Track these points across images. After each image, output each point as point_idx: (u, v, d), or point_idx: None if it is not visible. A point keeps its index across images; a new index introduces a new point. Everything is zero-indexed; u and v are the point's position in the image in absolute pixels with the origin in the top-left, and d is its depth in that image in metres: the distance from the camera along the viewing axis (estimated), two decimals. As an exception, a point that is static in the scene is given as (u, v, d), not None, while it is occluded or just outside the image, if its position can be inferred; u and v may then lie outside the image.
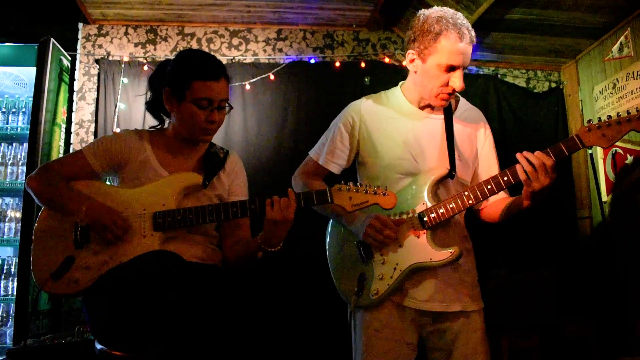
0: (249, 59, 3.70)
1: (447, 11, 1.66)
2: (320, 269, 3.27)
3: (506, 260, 3.25)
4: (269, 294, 3.12)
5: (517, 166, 1.55)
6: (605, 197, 3.41)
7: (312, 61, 3.70)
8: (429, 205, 1.65)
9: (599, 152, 3.43)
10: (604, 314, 3.19)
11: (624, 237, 3.18)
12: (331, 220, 1.88)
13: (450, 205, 1.63)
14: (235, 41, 3.75)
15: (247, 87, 3.55)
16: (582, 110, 3.70)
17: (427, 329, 1.68)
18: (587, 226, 3.62)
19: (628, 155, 3.18)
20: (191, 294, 1.47)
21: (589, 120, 1.55)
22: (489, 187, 1.61)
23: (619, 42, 3.27)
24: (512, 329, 2.83)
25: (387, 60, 3.71)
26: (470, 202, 1.62)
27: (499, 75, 3.86)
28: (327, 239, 1.87)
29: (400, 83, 1.87)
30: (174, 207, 1.62)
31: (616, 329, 3.12)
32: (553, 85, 3.90)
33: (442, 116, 1.77)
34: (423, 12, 1.69)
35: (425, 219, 1.64)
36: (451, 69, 1.64)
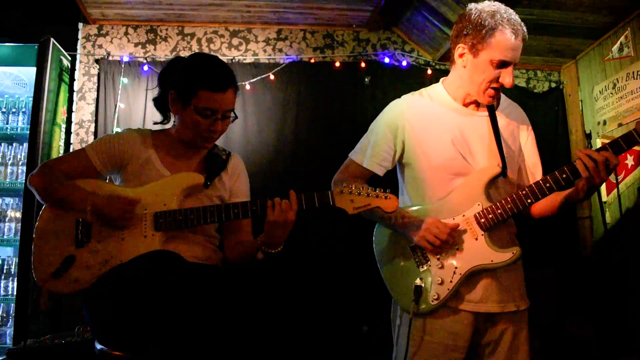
0: (249, 59, 3.70)
1: (500, 6, 1.63)
2: (321, 269, 3.28)
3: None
4: (269, 294, 3.12)
5: (578, 162, 1.52)
6: (605, 197, 3.41)
7: (312, 61, 3.70)
8: (485, 205, 1.62)
9: (599, 152, 3.43)
10: (604, 314, 3.19)
11: (624, 237, 3.18)
12: (377, 226, 1.82)
13: (508, 206, 1.60)
14: (235, 41, 3.75)
15: (247, 87, 3.55)
16: (582, 110, 3.70)
17: (479, 326, 1.66)
18: (587, 226, 3.62)
19: (628, 155, 3.18)
20: (191, 294, 1.46)
21: None
22: (547, 185, 1.57)
23: (619, 42, 3.27)
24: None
25: (387, 60, 3.71)
26: (529, 201, 1.59)
27: (499, 75, 3.86)
28: (376, 246, 1.81)
29: (441, 79, 1.82)
30: (175, 207, 1.61)
31: (616, 329, 3.12)
32: (553, 85, 3.91)
33: (487, 113, 1.73)
34: (475, 7, 1.66)
35: (482, 220, 1.61)
36: (503, 65, 1.61)
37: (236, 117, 1.74)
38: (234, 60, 3.63)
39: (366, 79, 3.66)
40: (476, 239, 1.61)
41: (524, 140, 1.80)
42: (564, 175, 1.56)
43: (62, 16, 3.58)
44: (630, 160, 3.17)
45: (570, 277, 3.37)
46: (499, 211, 1.60)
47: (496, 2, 1.67)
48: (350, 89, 3.64)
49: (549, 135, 3.73)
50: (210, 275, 1.64)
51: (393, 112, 1.80)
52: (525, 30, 1.63)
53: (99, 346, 1.51)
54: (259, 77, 3.57)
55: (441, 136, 1.69)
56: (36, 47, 3.19)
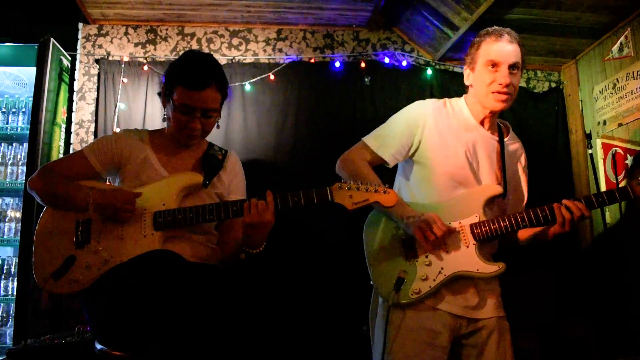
0: (249, 59, 3.70)
1: (488, 28, 1.83)
2: (321, 267, 3.28)
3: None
4: (269, 294, 3.12)
5: (557, 210, 1.68)
6: (605, 197, 3.40)
7: (312, 61, 3.70)
8: (483, 218, 1.72)
9: (599, 152, 3.43)
10: (604, 315, 3.19)
11: (624, 238, 3.18)
12: (373, 211, 1.86)
13: (504, 224, 1.70)
14: (235, 41, 3.75)
15: (247, 87, 3.55)
16: (582, 110, 3.70)
17: (462, 330, 1.72)
18: (587, 226, 3.62)
19: (628, 155, 3.18)
20: (191, 294, 1.46)
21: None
22: (543, 214, 1.70)
23: (619, 42, 3.27)
24: (512, 329, 2.82)
25: (387, 60, 3.71)
26: (523, 224, 1.70)
27: (499, 75, 3.86)
28: (366, 229, 1.85)
29: (464, 95, 1.92)
30: (174, 206, 1.62)
31: (616, 329, 3.12)
32: (553, 85, 3.90)
33: (497, 139, 1.86)
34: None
35: (477, 231, 1.70)
36: (494, 65, 1.75)
37: (219, 117, 1.75)
38: (234, 60, 3.63)
39: (366, 79, 3.66)
40: (467, 247, 1.70)
41: (520, 172, 1.94)
42: (544, 214, 1.71)
43: (62, 16, 3.58)
44: (629, 160, 3.17)
45: (570, 277, 3.37)
46: (494, 226, 1.70)
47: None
48: (350, 89, 3.64)
49: (549, 135, 3.72)
50: (210, 275, 1.64)
51: (417, 110, 1.87)
52: (514, 34, 1.81)
53: (99, 346, 1.51)
54: (259, 77, 3.57)
55: (456, 146, 1.79)
56: (36, 47, 3.19)
